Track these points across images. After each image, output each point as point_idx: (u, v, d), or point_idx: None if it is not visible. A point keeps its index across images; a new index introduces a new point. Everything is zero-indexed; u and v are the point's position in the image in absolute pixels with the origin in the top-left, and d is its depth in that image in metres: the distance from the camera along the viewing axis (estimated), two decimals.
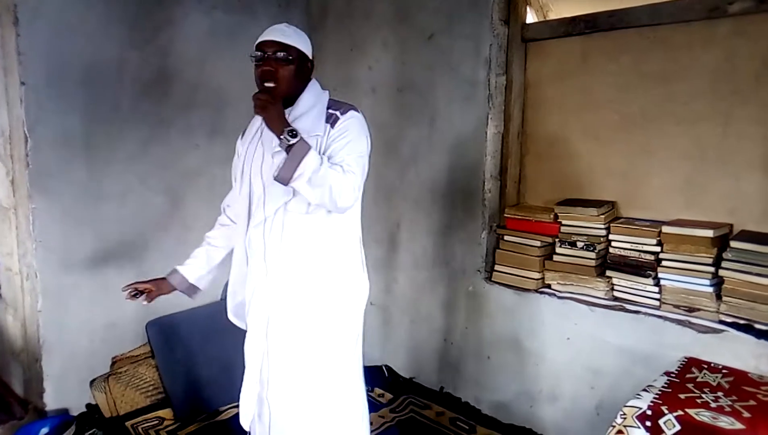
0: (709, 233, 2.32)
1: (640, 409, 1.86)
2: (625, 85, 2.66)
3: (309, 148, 1.70)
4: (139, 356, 3.10)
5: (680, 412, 1.81)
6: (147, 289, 2.16)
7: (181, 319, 3.16)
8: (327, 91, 1.96)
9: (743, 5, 2.27)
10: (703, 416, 1.79)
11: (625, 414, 1.89)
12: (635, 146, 2.66)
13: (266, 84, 1.81)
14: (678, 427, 1.79)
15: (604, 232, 2.63)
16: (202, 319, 3.21)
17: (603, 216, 2.63)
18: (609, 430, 1.92)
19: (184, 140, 3.20)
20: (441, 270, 3.17)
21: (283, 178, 1.70)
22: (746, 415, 1.80)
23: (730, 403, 1.89)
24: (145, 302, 2.17)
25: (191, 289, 2.25)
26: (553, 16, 3.10)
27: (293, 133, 1.69)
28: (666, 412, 1.82)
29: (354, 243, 1.98)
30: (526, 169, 3.07)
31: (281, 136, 1.69)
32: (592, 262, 2.64)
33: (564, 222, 2.74)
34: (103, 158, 2.90)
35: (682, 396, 1.93)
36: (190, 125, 3.21)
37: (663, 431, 1.81)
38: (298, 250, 1.87)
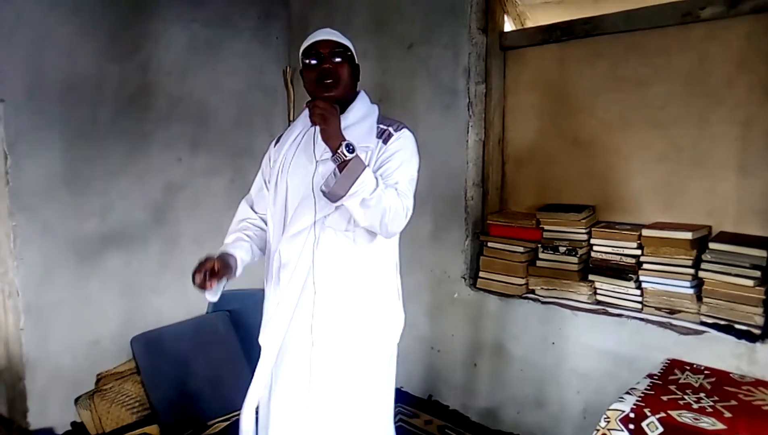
0: (688, 235, 2.34)
1: (624, 412, 1.88)
2: (602, 91, 2.69)
3: (365, 166, 1.59)
4: (125, 372, 3.08)
5: (663, 414, 1.83)
6: (216, 268, 1.73)
7: (166, 334, 3.15)
8: (376, 105, 1.87)
9: (714, 11, 2.31)
10: (686, 418, 1.81)
11: (608, 417, 1.90)
12: (613, 150, 2.69)
13: (326, 82, 1.71)
14: (661, 429, 1.80)
15: (585, 237, 2.65)
16: (188, 333, 3.19)
17: (584, 220, 2.65)
18: (593, 434, 1.93)
19: (165, 154, 3.19)
20: (425, 278, 3.17)
21: (335, 194, 1.58)
22: (727, 415, 1.82)
23: (711, 403, 1.91)
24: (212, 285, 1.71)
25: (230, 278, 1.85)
26: (530, 24, 3.14)
27: (350, 148, 1.57)
28: (649, 414, 1.84)
29: (390, 268, 1.88)
30: (507, 176, 3.09)
31: (338, 151, 1.57)
32: (575, 267, 2.65)
33: (546, 227, 2.76)
34: (84, 174, 2.89)
35: (664, 398, 1.94)
36: (171, 139, 3.20)
37: (646, 433, 1.82)
38: (337, 269, 1.75)
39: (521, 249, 2.82)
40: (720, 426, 1.75)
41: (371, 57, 3.30)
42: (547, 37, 2.81)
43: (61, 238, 2.84)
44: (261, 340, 1.85)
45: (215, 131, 3.39)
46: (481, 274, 2.96)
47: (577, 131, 2.79)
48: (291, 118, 3.65)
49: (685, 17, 2.39)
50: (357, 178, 1.56)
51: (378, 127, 1.78)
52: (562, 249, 2.69)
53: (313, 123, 1.63)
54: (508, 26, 3.09)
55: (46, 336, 2.84)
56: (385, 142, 1.75)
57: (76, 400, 2.94)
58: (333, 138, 1.59)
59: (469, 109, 2.91)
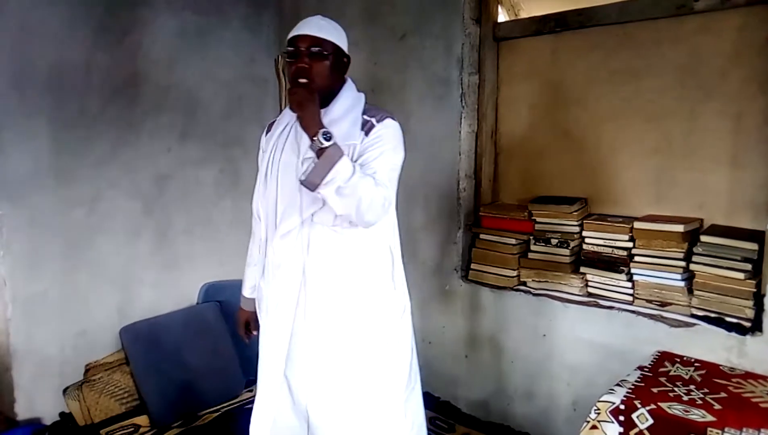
0: (680, 228, 2.34)
1: (614, 403, 1.88)
2: (595, 83, 2.68)
3: (342, 154, 1.59)
4: (113, 363, 3.06)
5: (653, 406, 1.83)
6: (250, 326, 2.13)
7: (156, 324, 3.13)
8: (363, 94, 1.84)
9: (708, 2, 2.31)
10: (676, 410, 1.82)
11: (599, 409, 1.91)
12: (605, 142, 2.68)
13: (300, 80, 1.69)
14: (651, 421, 1.81)
15: (577, 229, 2.65)
16: (178, 323, 3.17)
17: (576, 213, 2.65)
18: (583, 426, 1.93)
19: (154, 144, 3.15)
20: (417, 269, 3.16)
21: (311, 183, 1.58)
22: (717, 407, 1.83)
23: (701, 395, 1.91)
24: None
25: None
26: (524, 14, 3.13)
27: (327, 136, 1.58)
28: (639, 406, 1.84)
29: (383, 256, 1.85)
30: (500, 168, 3.08)
31: (315, 138, 1.58)
32: (567, 259, 2.65)
33: (538, 219, 2.76)
34: (72, 163, 2.85)
35: (654, 390, 1.95)
36: (160, 128, 3.17)
37: (636, 425, 1.83)
38: (327, 265, 1.76)
39: (513, 241, 2.81)
40: (710, 418, 1.76)
41: (363, 48, 3.27)
42: (540, 28, 2.80)
43: (49, 227, 2.81)
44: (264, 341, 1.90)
45: (205, 121, 3.36)
46: (472, 266, 2.96)
47: (569, 123, 2.79)
48: (282, 108, 3.63)
49: (680, 9, 2.38)
50: (333, 166, 1.56)
51: (362, 119, 1.76)
52: (554, 241, 2.69)
53: (292, 110, 1.65)
54: (502, 17, 3.08)
55: (34, 326, 2.81)
56: (367, 133, 1.73)
57: (65, 391, 2.92)
58: (311, 125, 1.61)
59: (462, 101, 2.90)
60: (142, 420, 2.91)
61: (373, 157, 1.69)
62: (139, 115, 3.08)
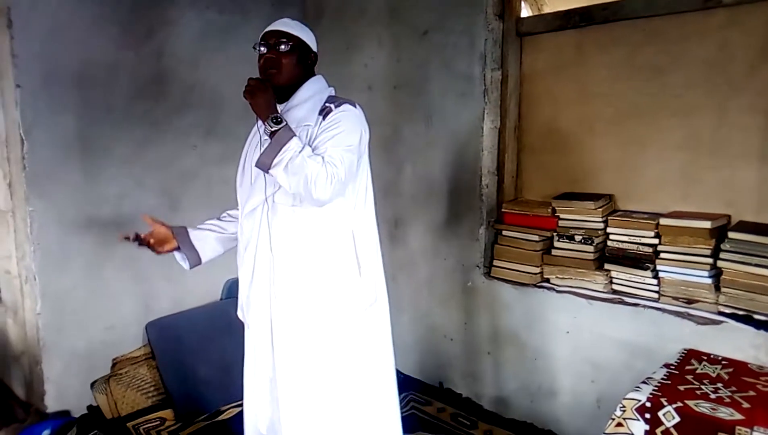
0: (707, 225, 2.31)
1: (640, 401, 1.86)
2: (620, 78, 2.65)
3: (292, 135, 1.70)
4: (140, 357, 3.11)
5: (680, 404, 1.81)
6: (146, 237, 2.11)
7: (181, 320, 3.17)
8: (331, 88, 1.96)
9: None
10: (703, 407, 1.79)
11: (624, 406, 1.89)
12: (630, 138, 2.65)
13: (270, 71, 1.83)
14: (677, 419, 1.78)
15: (601, 226, 2.63)
16: (202, 319, 3.21)
17: (600, 209, 2.62)
18: (609, 423, 1.92)
19: (179, 141, 3.19)
20: (439, 266, 3.16)
21: (263, 163, 1.71)
22: (745, 405, 1.80)
23: (729, 393, 1.89)
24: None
25: (191, 253, 2.18)
26: (547, 9, 3.10)
27: (278, 120, 1.70)
28: (665, 403, 1.82)
29: (345, 241, 1.88)
30: (523, 164, 3.06)
31: (265, 122, 1.71)
32: (591, 256, 2.63)
33: (562, 216, 2.74)
34: (99, 160, 2.90)
35: (681, 388, 1.93)
36: (185, 126, 3.21)
37: (662, 423, 1.81)
38: (288, 244, 1.85)
39: (536, 238, 2.80)
40: (738, 416, 1.74)
41: (385, 44, 3.28)
42: (564, 23, 2.78)
43: (77, 224, 2.86)
44: (246, 321, 2.04)
45: (228, 119, 3.38)
46: (495, 262, 2.95)
47: (594, 119, 2.76)
48: None
49: (707, 2, 2.34)
50: (282, 147, 1.68)
51: (322, 106, 1.86)
52: (578, 238, 2.67)
53: (245, 98, 1.76)
54: (525, 12, 3.05)
55: (63, 321, 2.87)
56: (324, 117, 1.82)
57: (92, 384, 2.98)
58: (261, 111, 1.74)
59: (484, 97, 2.89)
60: (168, 413, 2.96)
61: (326, 139, 1.78)
62: (165, 114, 3.12)
